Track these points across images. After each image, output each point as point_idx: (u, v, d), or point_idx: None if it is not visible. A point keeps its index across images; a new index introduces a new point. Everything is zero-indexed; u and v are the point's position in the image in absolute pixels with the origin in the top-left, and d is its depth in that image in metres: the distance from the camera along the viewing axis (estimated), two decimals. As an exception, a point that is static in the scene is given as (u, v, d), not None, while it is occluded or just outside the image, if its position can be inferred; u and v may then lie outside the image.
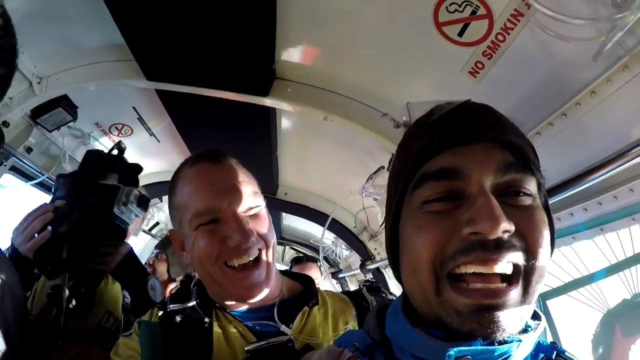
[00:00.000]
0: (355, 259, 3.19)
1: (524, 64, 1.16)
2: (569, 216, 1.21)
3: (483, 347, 0.54)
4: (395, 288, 2.70)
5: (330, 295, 1.10)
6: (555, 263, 1.31)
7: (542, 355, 0.63)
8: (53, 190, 1.29)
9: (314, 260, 3.03)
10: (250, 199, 0.98)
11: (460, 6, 1.14)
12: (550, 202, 1.18)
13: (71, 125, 2.00)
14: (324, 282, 3.09)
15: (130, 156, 2.44)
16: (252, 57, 1.49)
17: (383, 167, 1.79)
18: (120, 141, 1.40)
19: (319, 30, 1.47)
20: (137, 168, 1.36)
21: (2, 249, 1.19)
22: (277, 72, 1.64)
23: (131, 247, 1.37)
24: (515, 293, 0.55)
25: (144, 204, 1.29)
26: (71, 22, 1.57)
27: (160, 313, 1.01)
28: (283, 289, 1.06)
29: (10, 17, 0.79)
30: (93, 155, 1.36)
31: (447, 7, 1.15)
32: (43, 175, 2.00)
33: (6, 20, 0.79)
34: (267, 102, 1.66)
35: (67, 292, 1.24)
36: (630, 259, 1.11)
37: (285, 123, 2.13)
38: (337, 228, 2.79)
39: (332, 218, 2.62)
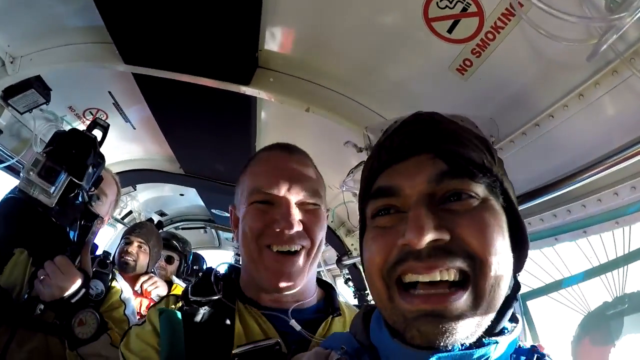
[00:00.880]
0: (331, 254, 3.18)
1: (513, 64, 1.14)
2: (552, 217, 1.22)
3: (461, 352, 0.55)
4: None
5: (348, 307, 1.11)
6: (537, 264, 1.32)
7: (523, 358, 0.63)
8: None
9: None
10: (309, 194, 0.99)
11: (451, 2, 1.11)
12: (534, 204, 1.20)
13: (43, 108, 1.91)
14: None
15: (105, 142, 2.37)
16: (235, 43, 1.45)
17: (356, 147, 1.76)
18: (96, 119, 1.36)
19: (305, 20, 1.43)
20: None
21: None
22: (260, 60, 1.60)
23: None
24: (461, 298, 0.55)
25: (51, 174, 1.26)
26: (46, 0, 1.48)
27: (181, 303, 0.99)
28: (316, 295, 1.07)
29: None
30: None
31: (437, 3, 1.13)
32: (13, 159, 1.91)
33: None
34: (249, 90, 1.62)
35: None
36: (612, 262, 1.12)
37: (265, 114, 2.09)
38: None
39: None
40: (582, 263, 1.20)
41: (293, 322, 0.95)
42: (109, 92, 1.99)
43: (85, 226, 1.46)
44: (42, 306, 1.30)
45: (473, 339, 0.56)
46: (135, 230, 2.44)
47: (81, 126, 2.16)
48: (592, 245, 1.16)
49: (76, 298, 1.29)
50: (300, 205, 0.98)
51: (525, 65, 1.12)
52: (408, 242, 0.56)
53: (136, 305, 2.17)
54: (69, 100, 2.02)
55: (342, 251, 2.74)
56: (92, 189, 1.52)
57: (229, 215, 1.12)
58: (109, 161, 2.45)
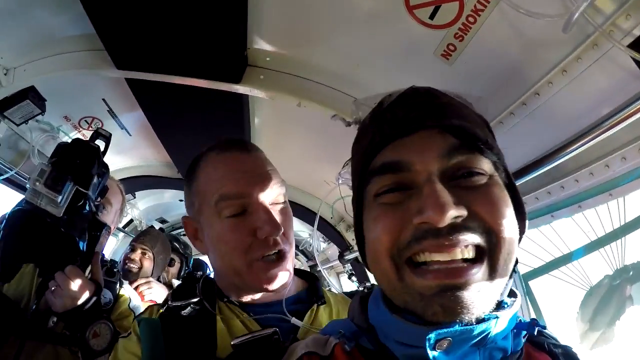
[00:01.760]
0: (333, 251, 3.18)
1: (495, 45, 1.15)
2: (547, 195, 1.22)
3: (462, 328, 0.54)
4: (373, 278, 2.71)
5: (333, 295, 1.11)
6: (536, 243, 1.33)
7: (524, 332, 0.64)
8: None
9: None
10: (279, 190, 0.97)
11: (430, -11, 1.13)
12: (526, 180, 1.21)
13: (39, 119, 1.93)
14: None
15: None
16: (224, 43, 1.46)
17: (344, 121, 1.75)
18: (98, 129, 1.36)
19: (290, 16, 1.44)
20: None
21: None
22: (250, 59, 1.61)
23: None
24: (479, 271, 0.55)
25: (57, 183, 1.26)
26: (38, 11, 1.50)
27: (162, 310, 0.99)
28: (293, 286, 1.05)
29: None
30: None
31: (417, -9, 1.14)
32: (11, 171, 1.93)
33: None
34: (240, 89, 1.63)
35: None
36: (610, 234, 1.12)
37: (258, 113, 2.10)
38: (314, 219, 2.79)
39: (308, 209, 2.60)
40: (580, 238, 1.20)
41: (294, 320, 0.94)
42: (103, 100, 2.01)
43: (93, 236, 1.46)
44: (55, 318, 1.30)
45: (489, 310, 0.56)
46: (139, 237, 2.46)
47: (78, 135, 2.18)
48: (588, 220, 1.16)
49: (88, 306, 1.29)
50: (272, 205, 0.96)
51: (507, 46, 1.13)
52: (428, 220, 0.54)
53: None
54: (64, 110, 2.05)
55: (344, 246, 2.74)
56: (98, 199, 1.52)
57: None
58: (106, 169, 2.48)
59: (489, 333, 0.56)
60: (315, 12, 1.38)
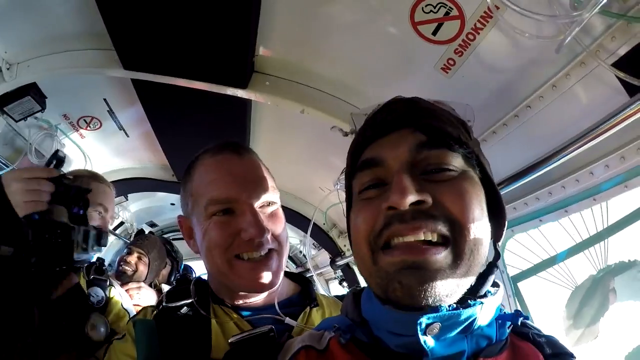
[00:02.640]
0: (323, 258, 3.21)
1: (492, 61, 1.25)
2: (535, 200, 1.32)
3: (449, 312, 0.58)
4: (364, 284, 2.75)
5: (325, 298, 1.13)
6: (524, 246, 1.41)
7: (508, 323, 0.68)
8: None
9: None
10: (269, 194, 0.99)
11: (435, 7, 1.22)
12: (515, 187, 1.30)
13: (38, 116, 1.93)
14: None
15: (98, 151, 2.39)
16: (233, 49, 1.52)
17: (342, 131, 1.82)
18: (57, 150, 1.24)
19: (298, 26, 1.52)
20: (85, 190, 1.23)
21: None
22: (256, 65, 1.68)
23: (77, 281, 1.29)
24: (441, 254, 0.59)
25: (102, 239, 1.24)
26: (46, 7, 1.52)
27: (156, 311, 1.00)
28: (285, 289, 1.08)
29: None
30: None
31: (422, 8, 1.23)
32: (7, 167, 1.91)
33: None
34: (246, 94, 1.69)
35: None
36: (594, 237, 1.21)
37: (258, 119, 2.15)
38: (307, 225, 2.82)
39: (300, 214, 2.63)
40: (566, 241, 1.30)
41: (289, 320, 0.96)
42: (104, 100, 2.03)
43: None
44: None
45: (454, 299, 0.60)
46: (137, 241, 2.46)
47: (75, 135, 2.17)
48: (573, 223, 1.25)
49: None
50: (261, 208, 0.98)
51: (503, 62, 1.23)
52: (392, 204, 0.60)
53: None
54: (64, 108, 2.05)
55: (335, 252, 2.79)
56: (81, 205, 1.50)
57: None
58: (101, 170, 2.48)
59: (475, 319, 0.60)
60: (324, 23, 1.46)
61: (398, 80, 1.52)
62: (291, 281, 1.15)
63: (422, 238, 0.59)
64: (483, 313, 0.62)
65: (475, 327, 0.62)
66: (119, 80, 1.84)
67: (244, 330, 0.91)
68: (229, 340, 0.83)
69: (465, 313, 0.59)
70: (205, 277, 1.11)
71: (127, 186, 2.69)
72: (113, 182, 2.42)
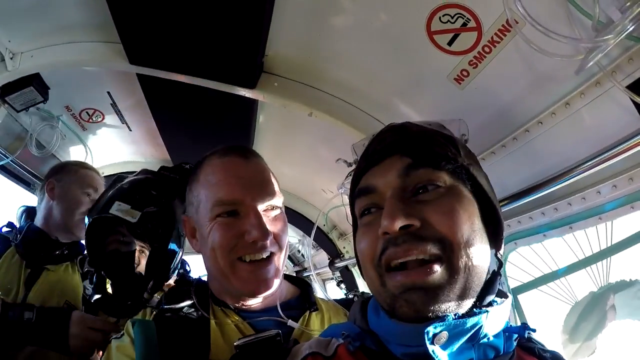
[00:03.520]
0: (321, 258, 3.23)
1: (506, 75, 1.25)
2: (541, 215, 1.32)
3: (455, 321, 0.61)
4: (362, 286, 2.77)
5: (324, 302, 1.14)
6: (526, 259, 1.43)
7: (515, 335, 0.70)
8: None
9: None
10: (273, 198, 1.00)
11: (452, 17, 1.21)
12: (524, 203, 1.31)
13: (40, 107, 1.90)
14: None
15: (100, 144, 2.36)
16: (245, 48, 1.50)
17: (346, 163, 1.83)
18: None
19: (311, 28, 1.50)
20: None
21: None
22: (265, 65, 1.66)
23: None
24: (437, 272, 0.61)
25: None
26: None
27: (155, 312, 1.00)
28: (283, 292, 1.08)
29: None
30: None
31: (440, 18, 1.23)
32: (7, 158, 1.88)
33: None
34: (254, 94, 1.68)
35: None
36: (597, 254, 1.23)
37: (263, 118, 2.14)
38: (307, 226, 2.82)
39: (301, 215, 2.64)
40: (568, 256, 1.31)
41: (291, 322, 0.97)
42: (108, 92, 2.00)
43: None
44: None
45: (460, 310, 0.62)
46: None
47: (77, 127, 2.14)
48: (577, 240, 1.27)
49: None
50: (265, 212, 0.99)
51: (517, 76, 1.23)
52: (384, 229, 0.64)
53: None
54: (66, 100, 2.02)
55: (335, 254, 2.81)
56: None
57: None
58: (103, 163, 2.46)
59: (481, 327, 0.62)
60: (336, 26, 1.45)
61: (409, 87, 1.52)
62: (290, 284, 1.15)
63: (415, 258, 0.63)
64: (489, 322, 0.63)
65: (482, 336, 0.64)
66: (124, 74, 1.82)
67: (248, 334, 0.92)
68: (235, 344, 0.84)
69: (471, 321, 0.61)
70: (204, 277, 1.12)
71: (126, 180, 2.65)
72: (113, 175, 2.41)
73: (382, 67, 1.50)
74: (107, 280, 1.34)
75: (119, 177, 1.37)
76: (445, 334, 0.60)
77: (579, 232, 1.25)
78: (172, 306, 0.99)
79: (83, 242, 1.70)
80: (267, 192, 1.00)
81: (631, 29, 0.85)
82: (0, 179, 2.00)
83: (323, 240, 2.84)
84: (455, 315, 0.61)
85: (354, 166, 1.52)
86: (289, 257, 4.40)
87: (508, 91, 1.28)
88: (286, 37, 1.56)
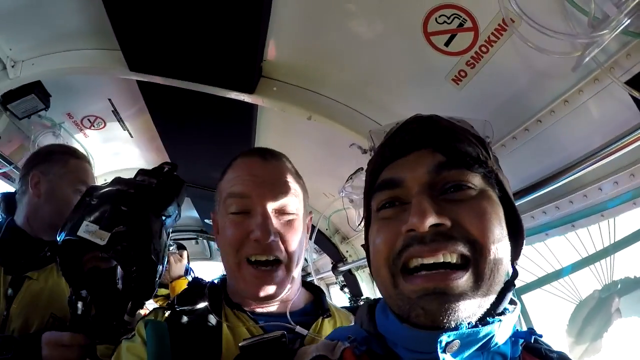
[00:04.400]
0: (324, 262, 3.22)
1: (504, 74, 1.25)
2: (542, 214, 1.31)
3: (469, 330, 0.58)
4: (366, 290, 2.76)
5: (336, 309, 1.13)
6: (529, 259, 1.41)
7: (521, 340, 0.68)
8: None
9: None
10: (286, 202, 0.99)
11: (448, 18, 1.21)
12: (524, 201, 1.30)
13: (42, 114, 1.91)
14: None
15: (102, 150, 2.37)
16: (243, 53, 1.51)
17: (362, 169, 1.84)
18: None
19: (308, 32, 1.51)
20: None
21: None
22: (264, 70, 1.67)
23: None
24: (463, 277, 0.59)
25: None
26: (52, 4, 1.51)
27: (167, 313, 1.00)
28: (301, 298, 1.08)
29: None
30: None
31: (436, 19, 1.23)
32: (10, 165, 1.89)
33: None
34: (253, 99, 1.68)
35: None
36: (600, 252, 1.22)
37: (264, 122, 2.14)
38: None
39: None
40: (571, 255, 1.30)
41: (299, 328, 0.96)
42: (109, 99, 2.01)
43: None
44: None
45: (475, 319, 0.60)
46: None
47: (79, 134, 2.16)
48: (580, 238, 1.25)
49: None
50: (277, 214, 0.98)
51: (515, 75, 1.23)
52: (412, 226, 0.60)
53: None
54: (68, 107, 2.04)
55: (337, 258, 2.80)
56: None
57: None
58: (105, 170, 2.46)
59: (493, 336, 0.60)
60: (334, 29, 1.45)
61: (408, 89, 1.52)
62: (306, 290, 1.15)
63: (442, 260, 0.59)
64: (501, 331, 0.62)
65: (493, 345, 0.62)
66: (125, 80, 1.83)
67: (254, 335, 0.91)
68: (240, 345, 0.83)
69: (484, 330, 0.59)
70: (217, 280, 1.12)
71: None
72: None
73: (379, 69, 1.50)
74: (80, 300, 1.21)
75: (90, 188, 1.26)
76: (457, 342, 0.58)
77: (582, 230, 1.23)
78: (185, 308, 0.99)
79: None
80: (279, 192, 0.99)
81: (627, 23, 0.85)
82: (3, 186, 2.00)
83: (326, 245, 2.83)
84: (468, 324, 0.59)
85: (368, 154, 1.51)
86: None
87: (506, 91, 1.27)
88: (284, 42, 1.57)
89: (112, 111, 2.08)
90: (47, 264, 1.48)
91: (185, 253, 2.69)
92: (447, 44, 1.27)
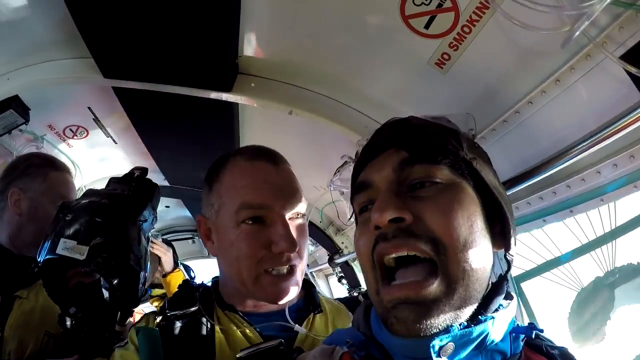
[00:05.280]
0: (322, 254, 3.21)
1: (490, 55, 1.17)
2: (539, 200, 1.25)
3: (461, 331, 0.58)
4: (363, 281, 2.74)
5: (328, 302, 1.10)
6: (527, 246, 1.36)
7: (522, 336, 0.66)
8: None
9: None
10: (300, 208, 0.97)
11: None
12: (520, 189, 1.23)
13: (23, 128, 1.87)
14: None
15: (87, 159, 2.34)
16: (215, 51, 1.44)
17: (350, 159, 1.78)
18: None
19: (283, 24, 1.44)
20: None
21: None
22: (241, 66, 1.60)
23: None
24: (433, 285, 0.58)
25: None
26: (22, 16, 1.45)
27: (159, 319, 0.97)
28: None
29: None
30: None
31: (413, 1, 1.15)
32: (-6, 182, 1.85)
33: None
34: (231, 97, 1.62)
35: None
36: (601, 238, 1.16)
37: (248, 118, 2.08)
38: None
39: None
40: (571, 241, 1.24)
41: (298, 327, 0.95)
42: (89, 108, 1.97)
43: None
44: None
45: (457, 321, 0.59)
46: None
47: (63, 145, 2.13)
48: (579, 224, 1.20)
49: None
50: (290, 220, 0.95)
51: (502, 55, 1.15)
52: (373, 222, 0.61)
53: None
54: (48, 119, 2.00)
55: (333, 250, 2.77)
56: None
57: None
58: (92, 178, 2.44)
59: (487, 334, 0.59)
60: (309, 18, 1.38)
61: (390, 76, 1.45)
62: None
63: (406, 253, 0.60)
64: (495, 328, 0.61)
65: (489, 342, 0.61)
66: (102, 88, 1.78)
67: (252, 345, 0.90)
68: (237, 356, 0.83)
69: (477, 330, 0.58)
70: (209, 283, 1.10)
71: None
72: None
73: (360, 56, 1.43)
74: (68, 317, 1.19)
75: (64, 203, 1.23)
76: (451, 345, 0.57)
77: (581, 215, 1.17)
78: (177, 312, 0.97)
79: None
80: (295, 199, 0.96)
81: (616, -8, 0.77)
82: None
83: (320, 237, 2.80)
84: (460, 325, 0.58)
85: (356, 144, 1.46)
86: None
87: (494, 72, 1.20)
88: (258, 35, 1.50)
89: (93, 119, 2.03)
90: (36, 280, 1.43)
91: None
92: (427, 26, 1.19)
